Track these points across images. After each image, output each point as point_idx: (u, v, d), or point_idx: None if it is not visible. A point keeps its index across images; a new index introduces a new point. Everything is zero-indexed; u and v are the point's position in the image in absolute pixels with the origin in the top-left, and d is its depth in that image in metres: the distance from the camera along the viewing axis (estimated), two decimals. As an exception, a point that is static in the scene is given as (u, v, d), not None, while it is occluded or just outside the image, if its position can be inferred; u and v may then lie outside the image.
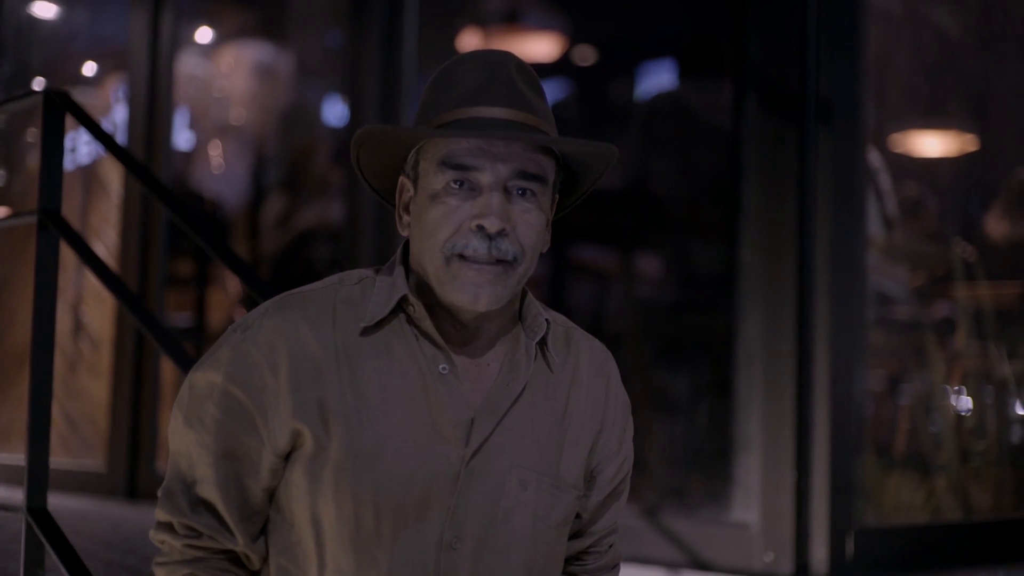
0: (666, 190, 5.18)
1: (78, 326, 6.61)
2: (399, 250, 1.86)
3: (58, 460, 3.27)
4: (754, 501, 4.07)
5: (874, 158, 4.80)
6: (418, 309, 1.77)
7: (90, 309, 6.55)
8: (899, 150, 5.37)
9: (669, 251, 5.10)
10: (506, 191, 1.72)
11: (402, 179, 1.83)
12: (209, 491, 1.79)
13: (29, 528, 3.02)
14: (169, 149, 6.11)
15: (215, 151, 6.62)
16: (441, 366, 1.77)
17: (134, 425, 5.84)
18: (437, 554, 1.75)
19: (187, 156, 6.63)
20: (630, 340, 5.00)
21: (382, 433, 1.74)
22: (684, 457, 4.72)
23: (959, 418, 4.94)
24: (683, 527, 4.17)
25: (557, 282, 5.67)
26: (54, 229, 3.16)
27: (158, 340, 3.13)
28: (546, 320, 1.85)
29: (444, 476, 1.75)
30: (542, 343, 1.85)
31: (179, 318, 6.39)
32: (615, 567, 2.04)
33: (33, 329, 3.12)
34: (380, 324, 1.78)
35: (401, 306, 1.80)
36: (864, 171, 4.33)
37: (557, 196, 1.86)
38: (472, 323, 1.79)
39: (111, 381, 6.09)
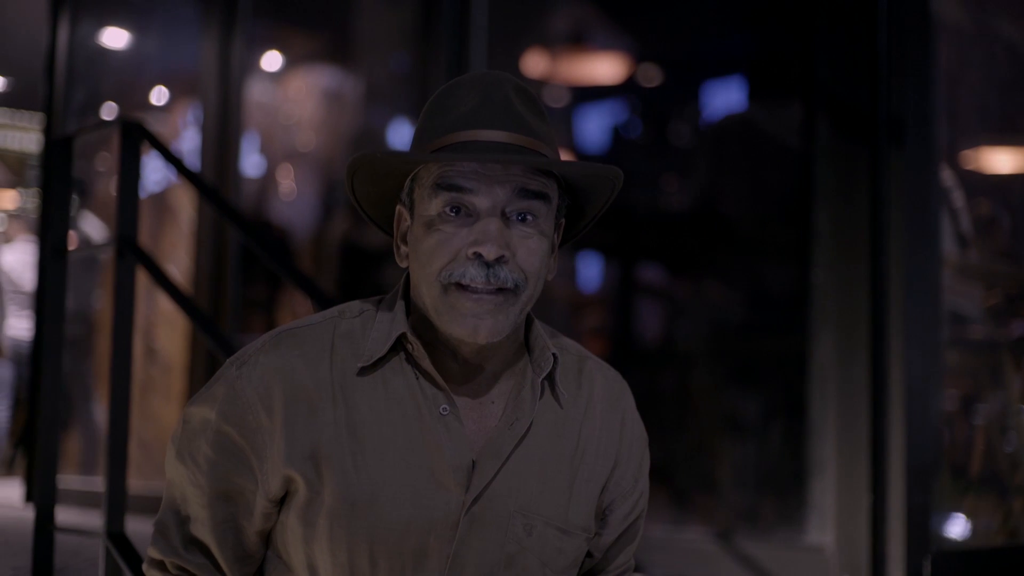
0: (737, 211, 5.16)
1: (149, 351, 6.67)
2: (401, 282, 1.79)
3: (132, 484, 3.30)
4: (829, 524, 4.03)
5: (947, 176, 4.75)
6: (417, 348, 1.69)
7: (161, 334, 6.62)
8: (972, 167, 5.32)
9: (740, 272, 5.08)
10: (505, 216, 1.64)
11: (399, 208, 1.75)
12: (202, 532, 1.77)
13: (108, 552, 3.05)
14: (239, 174, 6.17)
15: (285, 176, 6.67)
16: (442, 407, 1.69)
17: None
18: None
19: (257, 182, 6.69)
20: (702, 362, 4.98)
21: (378, 479, 1.67)
22: (758, 479, 4.69)
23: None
24: (757, 550, 4.14)
25: (627, 305, 5.65)
26: (131, 256, 3.19)
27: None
28: (553, 354, 1.75)
29: (443, 523, 1.68)
30: (550, 378, 1.77)
31: (250, 341, 6.43)
32: None
33: (112, 354, 3.16)
34: (379, 363, 1.71)
35: (400, 343, 1.72)
36: (937, 190, 4.29)
37: (563, 221, 1.78)
38: (474, 358, 1.71)
39: (183, 405, 6.14)
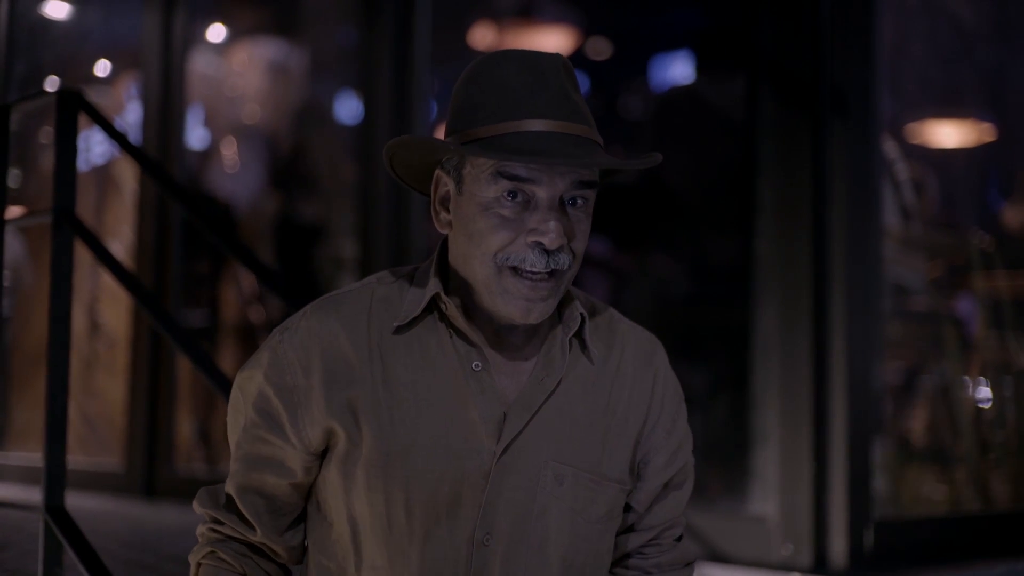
0: (680, 182, 5.17)
1: (94, 326, 6.63)
2: (438, 248, 1.85)
3: (76, 459, 3.28)
4: (772, 494, 4.05)
5: (890, 148, 4.78)
6: (451, 307, 1.77)
7: (106, 309, 6.57)
8: (915, 140, 5.35)
9: (684, 244, 5.09)
10: (560, 202, 1.71)
11: (439, 173, 1.80)
12: (232, 486, 1.85)
13: (47, 527, 3.02)
14: (183, 148, 6.12)
15: (228, 149, 6.63)
16: (475, 363, 1.76)
17: (151, 424, 5.85)
18: (469, 551, 1.75)
19: (201, 155, 6.64)
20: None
21: (413, 431, 1.74)
22: (701, 450, 4.69)
23: (978, 409, 4.92)
24: (701, 520, 4.16)
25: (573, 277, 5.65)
26: (69, 228, 3.16)
27: (175, 338, 3.14)
28: (581, 314, 1.82)
29: (475, 473, 1.74)
30: (580, 336, 1.83)
31: (194, 316, 6.40)
32: (688, 565, 1.98)
33: (49, 329, 3.13)
34: (414, 322, 1.79)
35: (435, 304, 1.79)
36: (880, 161, 4.31)
37: None
38: (509, 324, 1.78)
39: (128, 380, 6.10)
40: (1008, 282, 5.04)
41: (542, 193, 1.69)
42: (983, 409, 4.93)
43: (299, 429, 1.78)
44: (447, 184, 1.78)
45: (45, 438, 3.08)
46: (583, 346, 1.84)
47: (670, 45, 5.45)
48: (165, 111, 6.06)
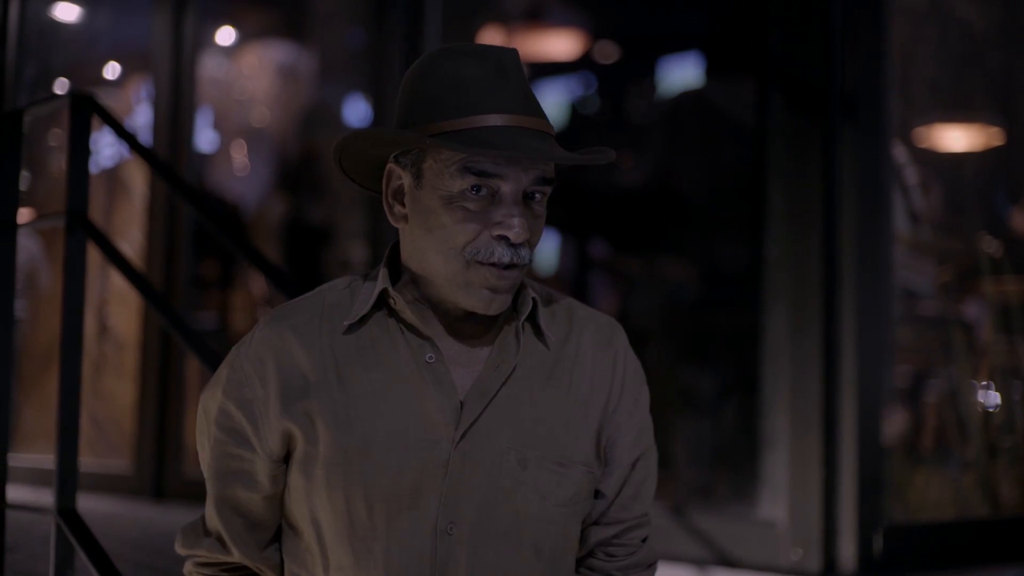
0: (690, 187, 5.17)
1: (103, 328, 6.63)
2: (387, 251, 1.85)
3: (85, 461, 3.28)
4: (781, 498, 4.05)
5: (899, 153, 4.78)
6: (399, 302, 1.77)
7: (115, 311, 6.58)
8: (924, 145, 5.35)
9: (694, 249, 5.10)
10: (523, 196, 1.72)
11: (391, 166, 1.79)
12: (208, 506, 1.86)
13: (59, 529, 3.03)
14: (192, 150, 6.12)
15: (238, 152, 6.64)
16: (428, 355, 1.76)
17: (160, 426, 5.85)
18: (433, 541, 1.73)
19: (210, 157, 6.65)
20: (655, 338, 5.00)
21: (370, 427, 1.74)
22: (711, 454, 4.71)
23: (986, 414, 4.92)
24: (710, 524, 4.16)
25: (581, 281, 5.66)
26: (82, 231, 3.16)
27: (185, 340, 3.14)
28: (533, 298, 1.82)
29: (435, 463, 1.73)
30: (533, 322, 1.84)
31: (204, 319, 6.40)
32: (650, 566, 1.97)
33: (62, 331, 3.13)
34: (365, 320, 1.79)
35: (384, 301, 1.80)
36: (889, 166, 4.31)
37: None
38: (461, 316, 1.79)
39: (137, 383, 6.11)
40: (1016, 286, 5.04)
41: (507, 188, 1.70)
42: (992, 413, 4.92)
43: (262, 439, 1.78)
44: (401, 178, 1.78)
45: (57, 441, 3.08)
46: (538, 331, 1.85)
47: (679, 49, 5.45)
48: (175, 114, 6.07)
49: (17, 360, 6.79)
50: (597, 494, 1.89)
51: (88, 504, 3.47)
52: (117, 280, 6.28)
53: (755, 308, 4.24)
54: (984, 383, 4.96)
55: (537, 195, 1.73)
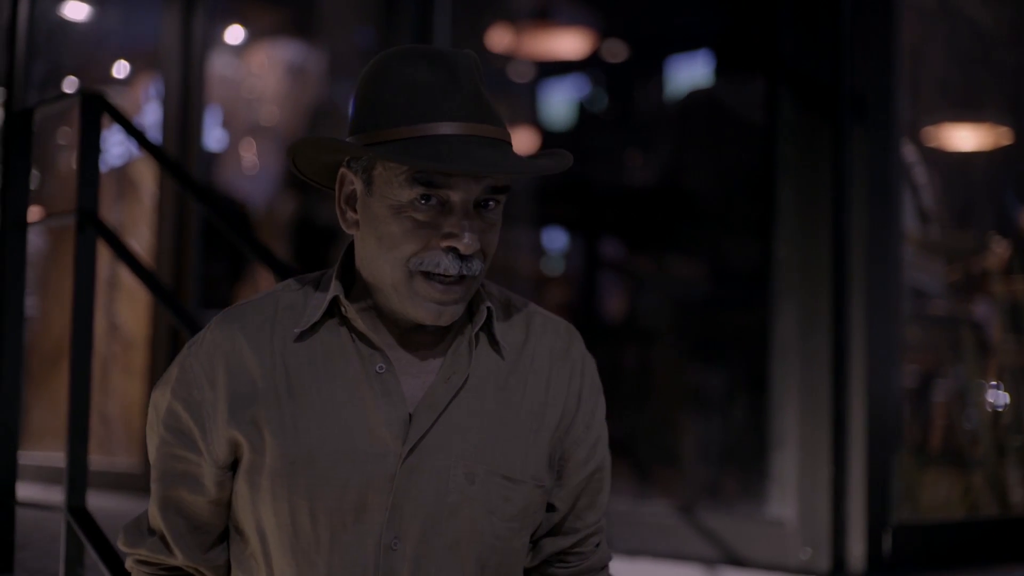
0: (700, 186, 5.17)
1: (111, 326, 6.64)
2: (342, 254, 1.82)
3: (93, 459, 3.29)
4: (790, 497, 4.05)
5: (909, 152, 4.77)
6: (351, 310, 1.74)
7: (123, 309, 6.58)
8: (934, 144, 5.34)
9: (704, 248, 5.09)
10: (475, 204, 1.68)
11: (344, 171, 1.75)
12: (152, 506, 1.84)
13: (69, 527, 3.03)
14: (201, 148, 6.13)
15: (247, 150, 6.64)
16: (378, 365, 1.73)
17: (169, 424, 5.85)
18: (376, 555, 1.71)
19: (219, 156, 6.65)
20: (665, 336, 5.00)
21: (317, 438, 1.71)
22: (720, 453, 4.71)
23: (995, 413, 4.91)
24: (719, 523, 4.16)
25: (590, 280, 5.66)
26: (92, 230, 3.17)
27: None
28: (488, 307, 1.78)
29: (381, 477, 1.71)
30: (488, 332, 1.80)
31: (213, 316, 6.41)
32: (604, 568, 1.94)
33: (72, 328, 3.14)
34: (316, 327, 1.76)
35: (337, 308, 1.76)
36: (899, 165, 4.31)
37: None
38: (412, 326, 1.76)
39: (146, 380, 6.11)
40: (1026, 286, 5.04)
41: (456, 198, 1.65)
42: (1000, 413, 4.92)
43: (208, 444, 1.76)
44: (353, 183, 1.74)
45: (67, 439, 3.09)
46: (493, 340, 1.80)
47: (688, 48, 5.44)
48: (184, 112, 6.08)
49: (27, 357, 6.80)
50: (549, 507, 1.86)
51: (97, 502, 3.47)
52: (126, 277, 6.28)
53: (764, 307, 4.24)
54: (993, 383, 4.95)
55: (491, 203, 1.69)
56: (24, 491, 3.53)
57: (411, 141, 1.65)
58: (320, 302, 1.76)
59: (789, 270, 4.14)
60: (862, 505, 3.91)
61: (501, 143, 1.69)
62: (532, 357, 1.83)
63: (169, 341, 5.90)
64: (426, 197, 1.65)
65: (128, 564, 1.91)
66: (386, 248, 1.68)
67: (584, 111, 6.10)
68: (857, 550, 3.90)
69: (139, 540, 1.88)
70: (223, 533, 1.84)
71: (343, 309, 1.75)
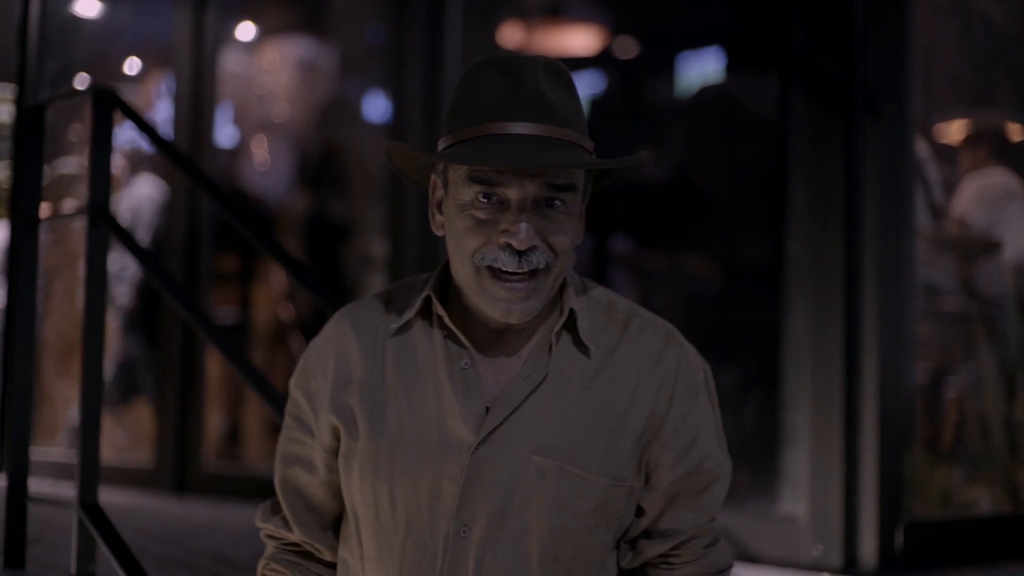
0: (712, 183, 5.17)
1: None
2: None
3: (105, 455, 3.30)
4: (802, 494, 4.05)
5: (921, 148, 4.76)
6: (440, 309, 1.83)
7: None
8: (946, 140, 5.33)
9: (715, 244, 5.09)
10: (535, 203, 1.72)
11: (433, 178, 1.84)
12: (276, 485, 1.97)
13: (81, 522, 3.04)
14: (213, 145, 6.14)
15: (258, 147, 6.64)
16: (463, 361, 1.81)
17: (181, 419, 5.86)
18: (445, 542, 1.79)
19: (230, 152, 6.66)
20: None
21: (399, 427, 1.81)
22: (732, 450, 4.69)
23: (1008, 410, 4.90)
24: (731, 520, 4.16)
25: (601, 277, 5.65)
26: (104, 226, 3.17)
27: (206, 333, 3.15)
28: (572, 308, 1.82)
29: (454, 467, 1.78)
30: (575, 332, 1.83)
31: (224, 313, 6.41)
32: (720, 573, 1.89)
33: (84, 324, 3.14)
34: (410, 324, 1.87)
35: (430, 307, 1.85)
36: (911, 162, 4.30)
37: (590, 188, 1.85)
38: (501, 325, 1.81)
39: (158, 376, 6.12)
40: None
41: (512, 195, 1.71)
42: (1013, 409, 4.90)
43: (319, 428, 1.89)
44: (440, 189, 1.82)
45: (80, 435, 3.10)
46: (578, 341, 1.83)
47: (700, 44, 5.44)
48: (196, 109, 6.08)
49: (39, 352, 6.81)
50: (639, 510, 1.86)
51: (109, 497, 3.48)
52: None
53: (777, 304, 4.24)
54: (1005, 379, 4.94)
55: (556, 202, 1.73)
56: (35, 486, 3.54)
57: (468, 142, 1.73)
58: (417, 301, 1.86)
59: (801, 267, 4.14)
60: (874, 502, 3.91)
61: (561, 142, 1.73)
62: (625, 359, 1.85)
63: (181, 338, 5.91)
64: (487, 196, 1.72)
65: (262, 536, 2.03)
66: (456, 245, 1.77)
67: (596, 108, 6.09)
68: (869, 547, 3.90)
69: (269, 516, 1.99)
70: (339, 513, 1.95)
71: (435, 308, 1.83)
